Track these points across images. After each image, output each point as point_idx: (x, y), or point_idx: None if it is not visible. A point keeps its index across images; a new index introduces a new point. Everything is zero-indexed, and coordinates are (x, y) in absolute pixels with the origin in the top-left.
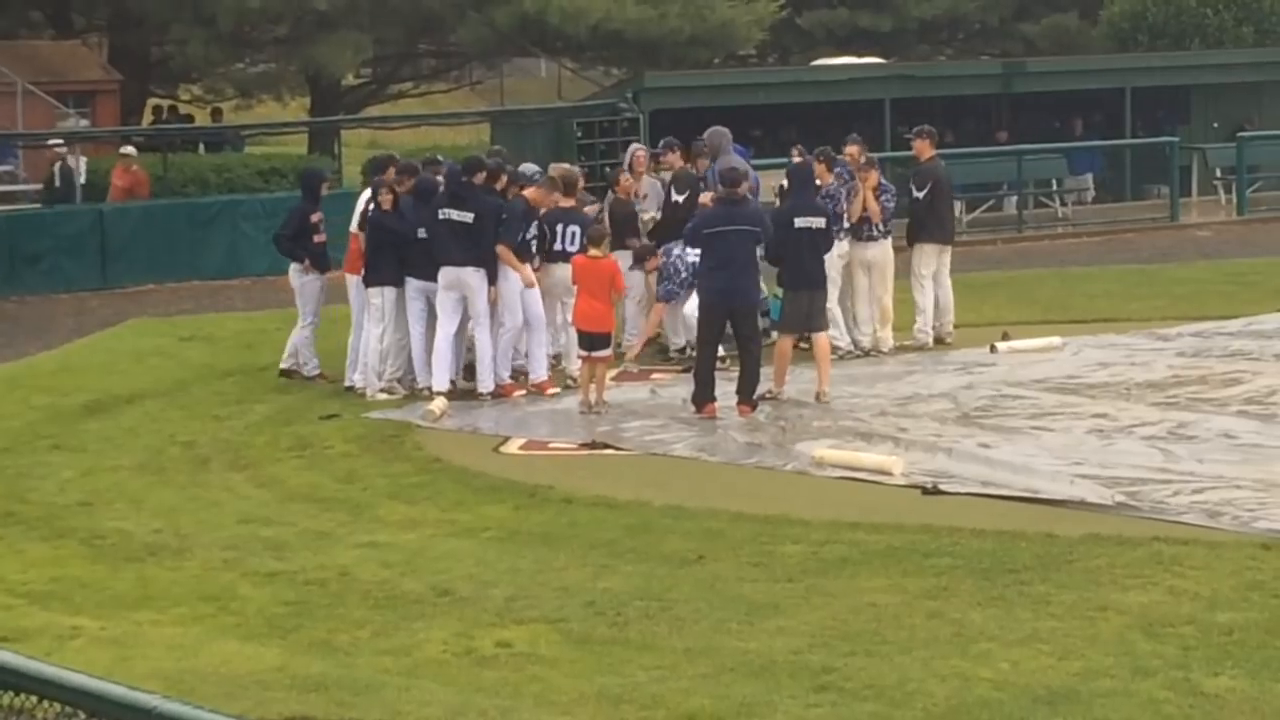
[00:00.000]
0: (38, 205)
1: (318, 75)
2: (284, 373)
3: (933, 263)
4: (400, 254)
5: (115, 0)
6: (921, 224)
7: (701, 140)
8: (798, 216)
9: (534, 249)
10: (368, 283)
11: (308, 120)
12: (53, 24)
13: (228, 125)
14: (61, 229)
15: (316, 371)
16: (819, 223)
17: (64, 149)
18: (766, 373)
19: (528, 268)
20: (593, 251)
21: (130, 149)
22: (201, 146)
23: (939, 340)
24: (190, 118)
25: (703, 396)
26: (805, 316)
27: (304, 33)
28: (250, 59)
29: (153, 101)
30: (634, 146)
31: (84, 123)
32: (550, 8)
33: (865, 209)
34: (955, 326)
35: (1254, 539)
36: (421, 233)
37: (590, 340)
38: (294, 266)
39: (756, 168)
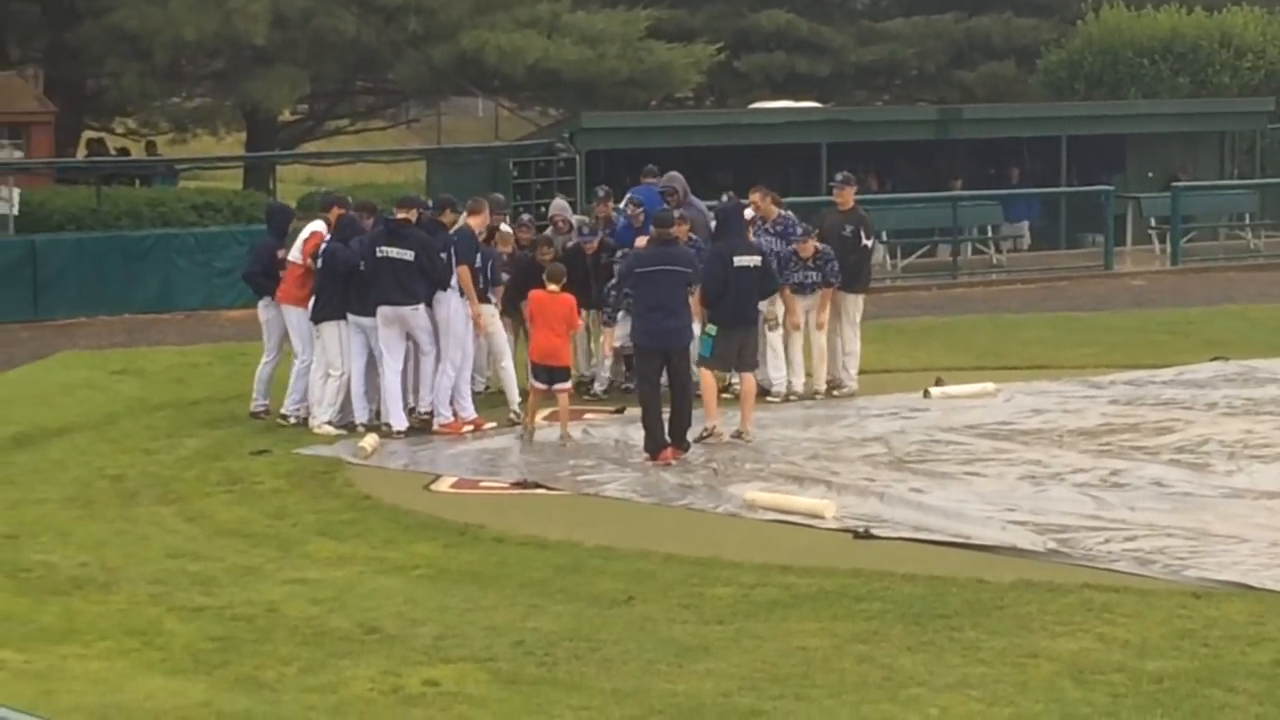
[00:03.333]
0: None
1: (254, 110)
2: (283, 417)
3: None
4: (346, 289)
5: (51, 32)
6: (858, 273)
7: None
8: (736, 255)
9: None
10: (318, 318)
11: (243, 155)
12: None
13: (162, 159)
14: None
15: (262, 407)
16: (756, 261)
17: None
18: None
19: (478, 301)
20: (550, 287)
21: None
22: (136, 180)
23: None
24: (125, 151)
25: (655, 445)
26: (736, 354)
27: (240, 67)
28: (186, 93)
29: (87, 134)
30: (554, 208)
31: (18, 154)
32: (488, 47)
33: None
34: (888, 371)
35: (1184, 587)
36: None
37: (549, 374)
38: (263, 301)
39: None
